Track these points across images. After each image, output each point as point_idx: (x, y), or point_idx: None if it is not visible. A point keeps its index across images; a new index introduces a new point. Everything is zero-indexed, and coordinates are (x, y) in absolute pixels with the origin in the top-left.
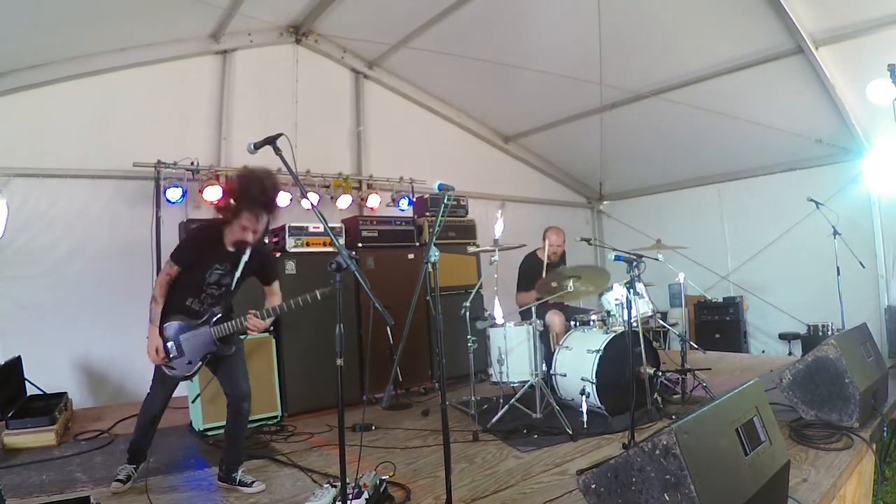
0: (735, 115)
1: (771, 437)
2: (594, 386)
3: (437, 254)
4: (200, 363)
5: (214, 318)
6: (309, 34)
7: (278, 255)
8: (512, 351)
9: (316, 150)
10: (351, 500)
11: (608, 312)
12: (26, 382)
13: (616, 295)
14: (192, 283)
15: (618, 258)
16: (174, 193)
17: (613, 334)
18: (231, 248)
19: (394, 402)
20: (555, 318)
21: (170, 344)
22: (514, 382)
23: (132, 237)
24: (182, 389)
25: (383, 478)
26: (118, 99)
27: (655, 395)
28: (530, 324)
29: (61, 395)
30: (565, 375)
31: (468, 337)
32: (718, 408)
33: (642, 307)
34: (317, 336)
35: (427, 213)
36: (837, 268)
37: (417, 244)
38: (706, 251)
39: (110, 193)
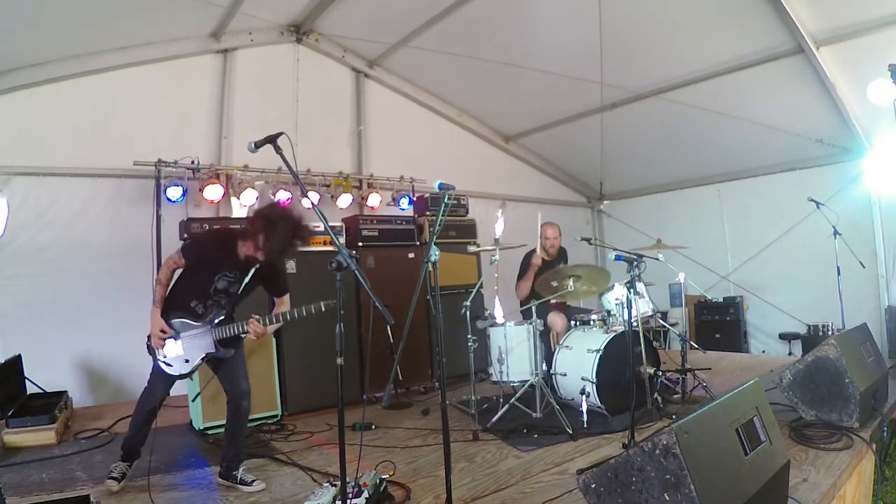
0: (735, 115)
1: (771, 436)
2: (594, 385)
3: (437, 253)
4: (198, 363)
5: (217, 320)
6: (309, 33)
7: None
8: (512, 350)
9: (316, 149)
10: (351, 499)
11: (608, 312)
12: (26, 381)
13: (616, 294)
14: (197, 287)
15: (618, 258)
16: (174, 192)
17: (614, 334)
18: (242, 258)
19: (394, 402)
20: (557, 319)
21: (171, 341)
22: (514, 382)
23: (132, 236)
24: (182, 388)
25: (383, 477)
26: (119, 97)
27: (655, 394)
28: (531, 323)
29: (61, 394)
30: (565, 375)
31: (468, 336)
32: (718, 408)
33: (642, 307)
34: (317, 335)
35: (427, 213)
36: (838, 268)
37: (418, 243)
38: (706, 251)
39: (111, 192)
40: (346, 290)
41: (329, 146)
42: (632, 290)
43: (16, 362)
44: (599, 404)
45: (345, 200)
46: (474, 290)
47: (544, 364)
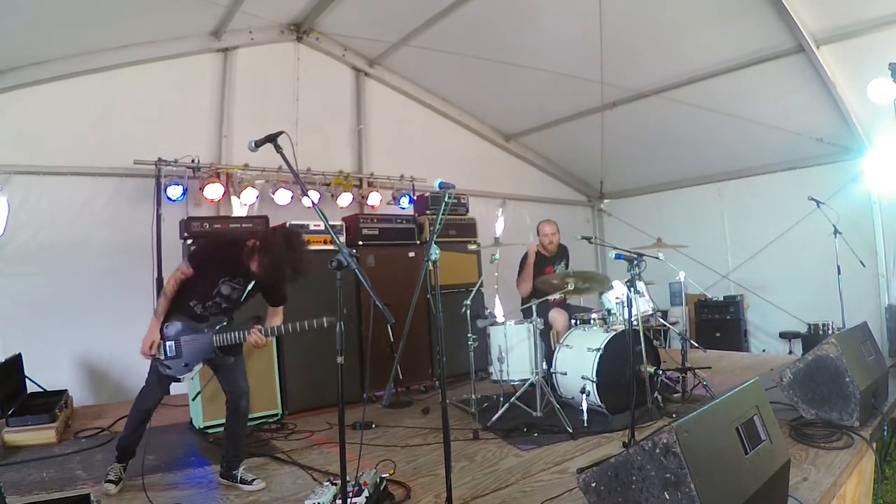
0: (736, 114)
1: (771, 435)
2: (594, 384)
3: (437, 252)
4: (198, 367)
5: (218, 327)
6: (310, 32)
7: None
8: (512, 349)
9: (317, 148)
10: (351, 498)
11: (609, 311)
12: (27, 380)
13: (616, 293)
14: (200, 289)
15: (618, 257)
16: (175, 191)
17: (614, 333)
18: (246, 266)
19: (394, 400)
20: (558, 317)
21: (169, 343)
22: (514, 381)
23: (133, 235)
24: (182, 387)
25: (383, 476)
26: (119, 96)
27: (656, 393)
28: (531, 322)
29: (62, 393)
30: (566, 374)
31: (468, 335)
32: (719, 406)
33: (643, 306)
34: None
35: (428, 212)
36: (838, 267)
37: (418, 242)
38: (707, 250)
39: (111, 191)
40: (347, 289)
41: (329, 145)
42: (632, 289)
43: (16, 361)
44: (600, 403)
45: (345, 199)
46: (474, 289)
47: (544, 363)
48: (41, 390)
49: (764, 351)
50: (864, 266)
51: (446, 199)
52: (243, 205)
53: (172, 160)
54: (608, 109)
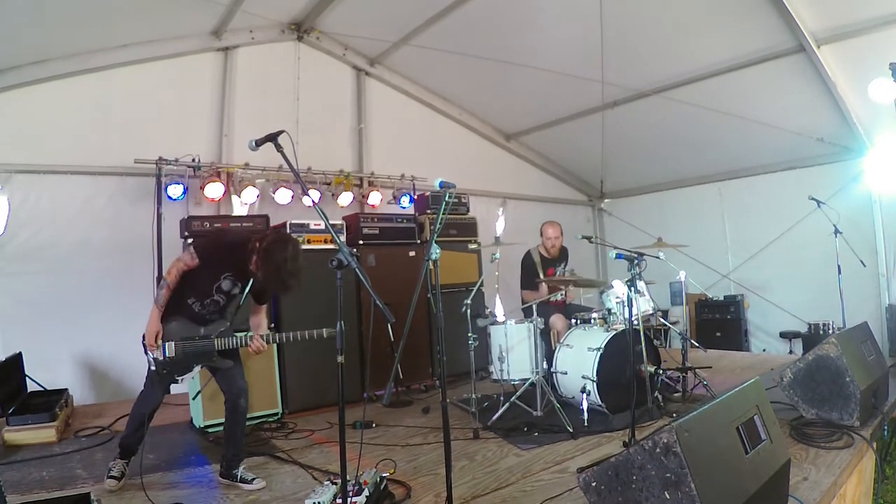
0: (736, 114)
1: (771, 435)
2: (595, 384)
3: (438, 251)
4: (197, 368)
5: (219, 331)
6: (310, 31)
7: None
8: (513, 348)
9: (317, 148)
10: (351, 497)
11: (609, 310)
12: (27, 379)
13: (617, 293)
14: (201, 283)
15: (619, 256)
16: (175, 190)
17: (614, 332)
18: (248, 264)
19: (394, 400)
20: (557, 321)
21: (169, 344)
22: (514, 380)
23: (133, 234)
24: (182, 386)
25: (384, 475)
26: (120, 95)
27: (656, 393)
28: (531, 321)
29: (62, 392)
30: (566, 373)
31: (469, 334)
32: (719, 406)
33: (643, 305)
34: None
35: (428, 211)
36: (838, 266)
37: (418, 241)
38: (707, 249)
39: (111, 190)
40: (347, 288)
41: (330, 144)
42: (632, 289)
43: (16, 360)
44: (600, 403)
45: (346, 198)
46: (475, 289)
47: (545, 362)
48: (41, 389)
49: (764, 351)
50: (864, 266)
51: (447, 198)
52: (244, 204)
53: (173, 159)
54: (609, 109)
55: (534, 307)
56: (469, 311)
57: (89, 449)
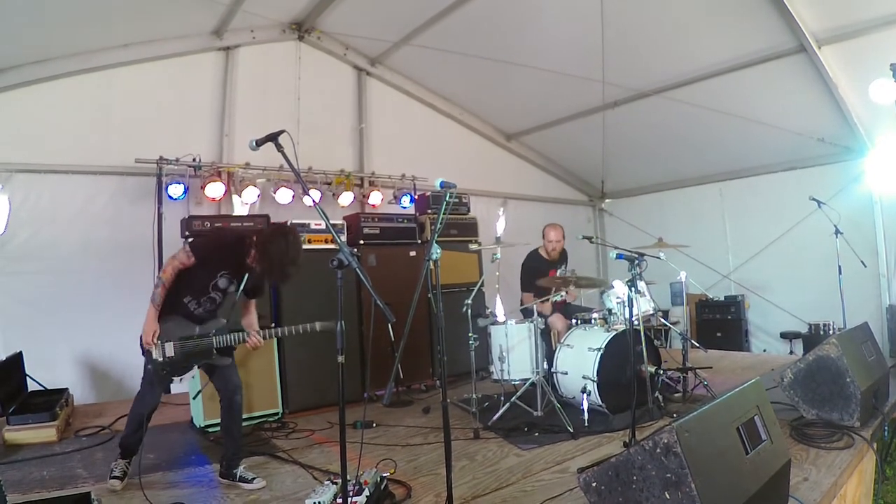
0: (737, 114)
1: (772, 435)
2: (595, 384)
3: (438, 251)
4: (195, 369)
5: (217, 329)
6: (311, 31)
7: None
8: (513, 349)
9: (318, 147)
10: (352, 497)
11: (609, 311)
12: (27, 378)
13: (617, 293)
14: (197, 281)
15: (619, 256)
16: (176, 190)
17: (615, 332)
18: (245, 261)
19: (395, 400)
20: (557, 321)
21: (169, 343)
22: (515, 380)
23: (134, 234)
24: (183, 386)
25: (384, 475)
26: (120, 95)
27: (656, 393)
28: (532, 321)
29: (62, 391)
30: (566, 373)
31: (469, 334)
32: (719, 406)
33: (644, 305)
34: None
35: (429, 211)
36: (839, 267)
37: (419, 241)
38: (708, 250)
39: (112, 190)
40: (348, 288)
41: (331, 144)
42: (633, 289)
43: (17, 359)
44: (600, 403)
45: (346, 198)
46: (475, 289)
47: (545, 362)
48: (42, 388)
49: (765, 351)
50: (865, 266)
51: (447, 198)
52: (244, 203)
53: (174, 159)
54: (609, 109)
55: (534, 308)
56: (469, 311)
57: (90, 448)
